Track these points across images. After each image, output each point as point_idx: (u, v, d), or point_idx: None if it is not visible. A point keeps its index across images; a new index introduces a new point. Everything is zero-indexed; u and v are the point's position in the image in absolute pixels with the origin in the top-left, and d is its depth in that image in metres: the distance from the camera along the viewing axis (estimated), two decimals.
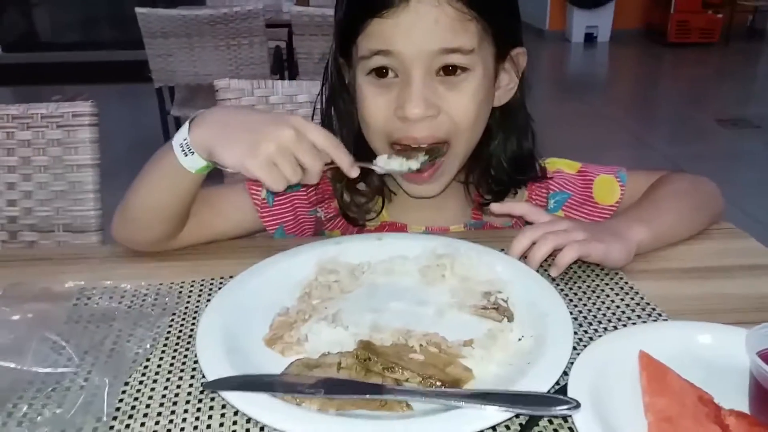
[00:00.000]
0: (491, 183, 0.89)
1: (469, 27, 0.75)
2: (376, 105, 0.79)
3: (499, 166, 0.88)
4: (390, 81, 0.78)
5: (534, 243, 0.73)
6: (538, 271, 0.72)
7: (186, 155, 0.72)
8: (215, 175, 0.79)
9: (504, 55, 0.83)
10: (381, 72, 0.78)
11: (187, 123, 0.73)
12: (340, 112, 0.88)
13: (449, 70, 0.77)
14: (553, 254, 0.72)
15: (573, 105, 4.95)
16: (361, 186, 0.90)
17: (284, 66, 3.52)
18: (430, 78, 0.76)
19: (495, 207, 0.81)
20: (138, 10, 2.84)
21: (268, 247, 0.79)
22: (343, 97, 0.87)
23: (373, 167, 0.76)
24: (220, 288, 0.69)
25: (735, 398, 0.52)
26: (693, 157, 3.61)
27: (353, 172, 0.71)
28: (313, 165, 0.69)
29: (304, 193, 0.92)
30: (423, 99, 0.75)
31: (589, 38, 6.99)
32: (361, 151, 0.82)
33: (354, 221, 0.91)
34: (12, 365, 0.53)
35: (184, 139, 0.71)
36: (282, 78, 3.40)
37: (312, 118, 0.93)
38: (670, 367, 0.55)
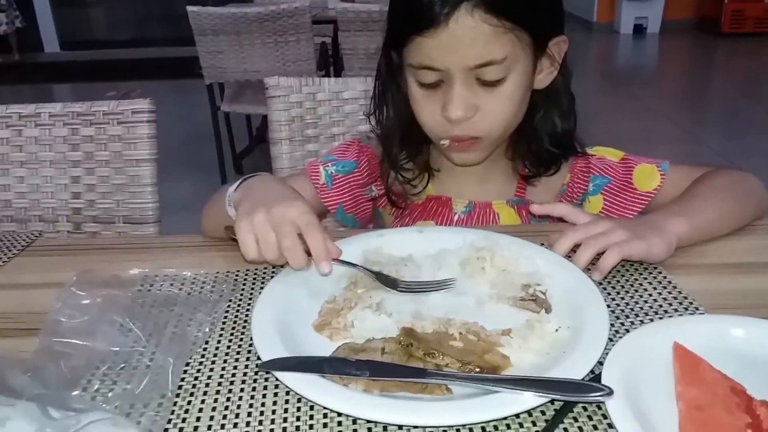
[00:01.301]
0: (533, 158, 0.94)
1: (505, 39, 0.80)
2: (427, 108, 0.87)
3: (540, 143, 0.93)
4: (436, 87, 0.85)
5: (576, 244, 0.75)
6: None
7: (230, 205, 0.80)
8: None
9: (543, 47, 0.86)
10: (429, 83, 0.85)
11: (241, 179, 0.81)
12: (391, 104, 0.95)
13: (488, 78, 0.82)
14: (597, 256, 0.74)
15: (621, 98, 4.86)
16: (409, 165, 0.97)
17: (330, 62, 3.58)
18: (470, 83, 0.83)
19: (535, 208, 0.85)
20: (189, 8, 2.94)
21: None
22: (392, 90, 0.93)
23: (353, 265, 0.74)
24: (272, 277, 0.73)
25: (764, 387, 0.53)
26: (745, 152, 3.50)
27: (323, 268, 0.69)
28: (292, 252, 0.68)
29: (359, 174, 0.99)
30: (462, 103, 0.83)
31: (639, 30, 6.83)
32: (413, 135, 0.91)
33: (395, 203, 0.98)
34: (86, 344, 0.59)
35: (229, 194, 0.80)
36: (327, 74, 3.46)
37: (368, 110, 0.99)
38: (704, 359, 0.56)
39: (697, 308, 0.68)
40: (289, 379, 0.55)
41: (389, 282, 0.71)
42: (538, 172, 0.95)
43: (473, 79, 0.82)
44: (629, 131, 3.87)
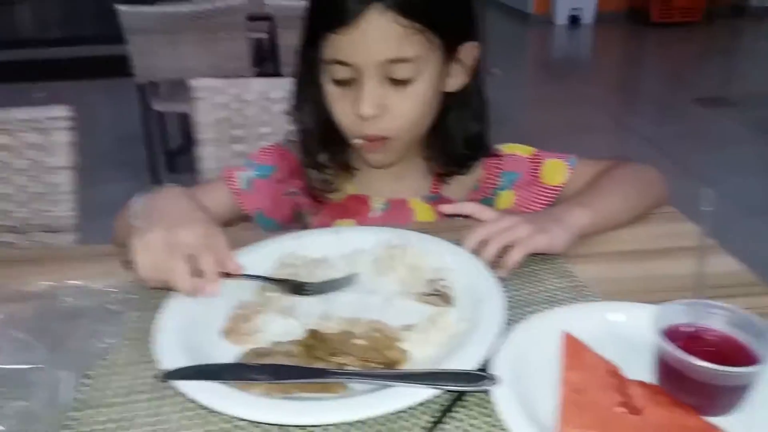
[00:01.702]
0: (447, 158, 0.97)
1: (415, 39, 0.83)
2: (340, 105, 0.89)
3: (453, 144, 0.96)
4: (349, 85, 0.87)
5: (484, 240, 0.78)
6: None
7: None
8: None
9: (454, 51, 0.89)
10: (341, 79, 0.86)
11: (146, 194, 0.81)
12: (310, 103, 0.95)
13: (398, 76, 0.85)
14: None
15: (556, 88, 4.99)
16: (328, 164, 0.98)
17: (265, 59, 3.55)
18: (381, 82, 0.85)
19: (445, 208, 0.88)
20: (119, 7, 2.85)
21: (232, 242, 0.84)
22: (310, 88, 0.94)
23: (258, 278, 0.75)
24: None
25: (643, 369, 0.58)
26: (671, 138, 3.66)
27: (206, 293, 0.70)
28: (176, 276, 0.68)
29: (279, 177, 1.00)
30: (373, 100, 0.84)
31: (574, 21, 7.01)
32: (333, 134, 0.92)
33: (316, 197, 0.99)
34: None
35: (133, 206, 0.79)
36: (264, 71, 3.43)
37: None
38: (588, 345, 0.60)
39: (591, 296, 0.73)
40: (189, 387, 0.56)
41: (295, 288, 0.73)
42: (452, 172, 0.98)
43: (384, 78, 0.84)
44: (564, 121, 3.98)
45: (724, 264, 0.79)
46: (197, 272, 0.69)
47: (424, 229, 0.84)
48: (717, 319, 0.57)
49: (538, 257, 0.81)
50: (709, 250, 0.56)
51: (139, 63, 3.01)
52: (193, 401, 0.57)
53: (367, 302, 0.71)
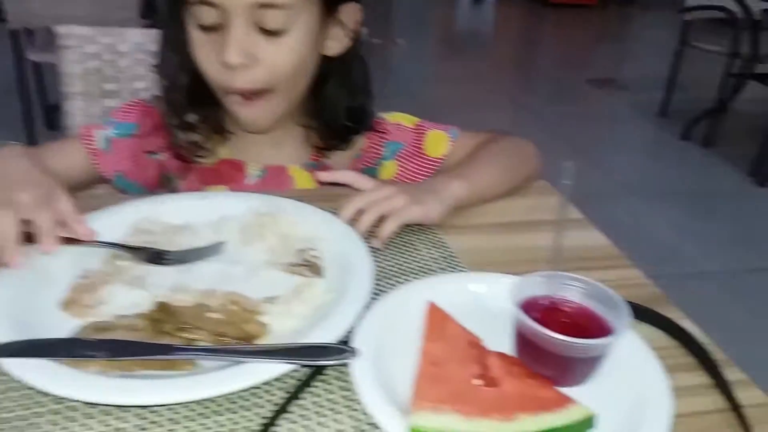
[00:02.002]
0: (326, 130, 0.93)
1: None
2: (205, 52, 0.82)
3: (334, 114, 0.92)
4: (216, 31, 0.80)
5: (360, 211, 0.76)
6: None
7: None
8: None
9: (333, 10, 0.85)
10: (207, 24, 0.79)
11: None
12: (175, 53, 0.87)
13: (269, 25, 0.79)
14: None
15: (457, 63, 5.06)
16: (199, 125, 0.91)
17: (157, 11, 3.32)
18: (250, 28, 0.79)
19: (322, 175, 0.84)
20: None
21: (82, 207, 0.76)
22: (176, 37, 0.86)
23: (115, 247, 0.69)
24: None
25: (504, 340, 0.58)
26: (564, 117, 3.81)
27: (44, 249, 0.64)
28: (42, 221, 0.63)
29: (142, 136, 0.92)
30: (240, 46, 0.78)
31: None
32: (202, 93, 0.85)
33: (184, 159, 0.92)
34: None
35: None
36: (154, 23, 3.21)
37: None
38: (452, 315, 0.59)
39: (461, 266, 0.72)
40: (13, 365, 0.50)
41: (152, 256, 0.67)
42: (332, 145, 0.94)
43: (254, 24, 0.78)
44: (462, 95, 4.04)
45: (590, 238, 0.81)
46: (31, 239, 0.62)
47: (300, 196, 0.80)
48: (573, 291, 0.58)
49: (413, 227, 0.79)
50: (568, 223, 0.57)
51: (11, 8, 2.72)
52: (18, 381, 0.51)
53: (229, 273, 0.66)
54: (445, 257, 0.74)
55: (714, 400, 0.54)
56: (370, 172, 0.97)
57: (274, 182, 0.94)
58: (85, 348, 0.52)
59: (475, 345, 0.56)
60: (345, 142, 0.95)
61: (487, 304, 0.63)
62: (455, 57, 5.28)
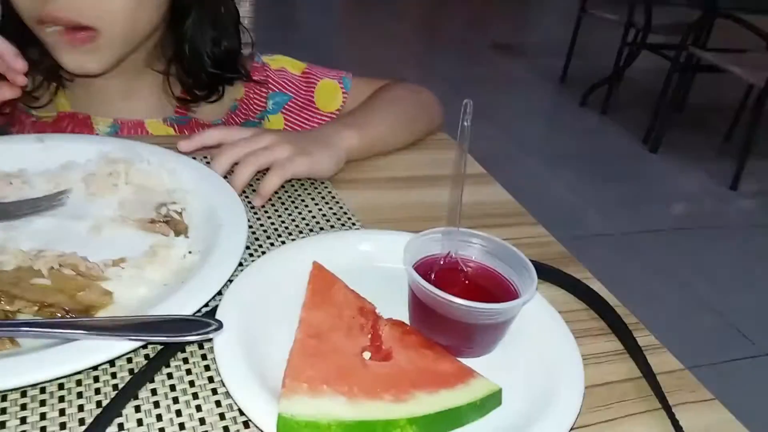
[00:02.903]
0: (189, 78, 0.79)
1: None
2: None
3: (196, 57, 0.78)
4: None
5: (236, 164, 0.65)
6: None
7: None
8: None
9: None
10: None
11: None
12: None
13: None
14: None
15: (363, 20, 4.93)
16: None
17: None
18: None
19: (183, 146, 0.67)
20: None
21: None
22: None
23: None
24: None
25: (400, 307, 0.50)
26: (468, 80, 3.80)
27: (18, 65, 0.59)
28: None
29: None
30: None
31: None
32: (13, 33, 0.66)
33: (9, 113, 0.76)
34: None
35: None
36: None
37: None
38: (340, 279, 0.51)
39: (353, 224, 0.64)
40: None
41: None
42: (196, 97, 0.80)
43: None
44: (368, 54, 3.93)
45: (492, 193, 0.75)
46: None
47: (163, 143, 0.68)
48: (474, 249, 0.51)
49: (302, 181, 0.70)
50: (468, 175, 0.49)
51: None
52: None
53: (68, 230, 0.54)
54: (337, 215, 0.65)
55: (627, 367, 0.49)
56: (252, 126, 0.86)
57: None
58: None
59: (366, 312, 0.48)
60: (212, 93, 0.81)
61: (381, 265, 0.55)
62: (360, 13, 5.14)
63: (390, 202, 0.70)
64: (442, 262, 0.50)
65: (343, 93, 0.87)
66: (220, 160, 0.65)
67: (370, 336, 0.46)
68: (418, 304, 0.48)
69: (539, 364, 0.46)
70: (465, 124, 0.48)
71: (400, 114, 0.81)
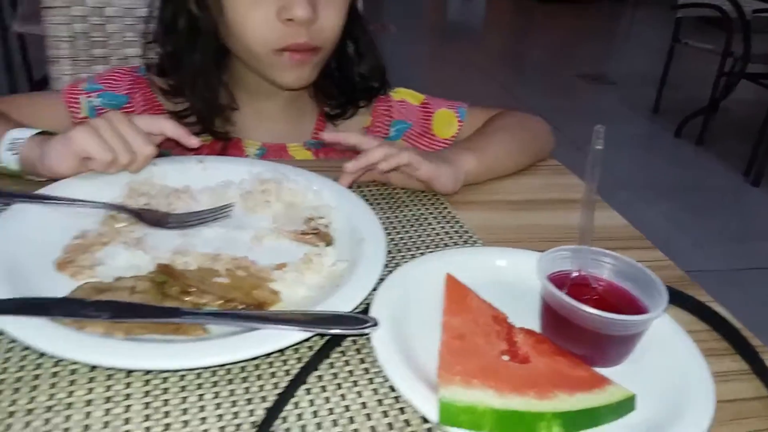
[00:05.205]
0: (338, 92, 0.90)
1: None
2: (258, 12, 0.76)
3: (348, 72, 0.89)
4: None
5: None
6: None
7: (10, 149, 0.69)
8: None
9: None
10: None
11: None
12: (186, 24, 0.81)
13: None
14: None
15: (448, 52, 5.02)
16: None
17: None
18: None
19: (327, 136, 0.80)
20: None
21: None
22: (189, 7, 0.81)
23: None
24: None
25: (528, 317, 0.54)
26: (555, 111, 3.78)
27: (193, 143, 0.71)
28: (142, 147, 0.67)
29: (131, 111, 0.86)
30: (308, 1, 0.75)
31: None
32: (204, 66, 0.82)
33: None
34: None
35: (19, 139, 0.69)
36: None
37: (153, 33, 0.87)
38: (472, 289, 0.56)
39: (475, 241, 0.69)
40: (9, 323, 0.46)
41: (153, 219, 0.63)
42: (342, 112, 0.91)
43: None
44: (454, 84, 4.01)
45: (608, 217, 0.78)
46: None
47: (302, 167, 0.76)
48: (603, 267, 0.55)
49: (423, 201, 0.76)
50: (596, 200, 0.53)
51: None
52: (15, 340, 0.47)
53: (233, 238, 0.62)
54: (459, 233, 0.71)
55: (754, 386, 0.51)
56: None
57: None
58: (86, 309, 0.48)
59: (499, 320, 0.53)
60: (353, 107, 0.91)
61: (509, 279, 0.59)
62: (447, 46, 5.24)
63: (506, 224, 0.75)
64: (573, 278, 0.54)
65: (459, 121, 0.93)
66: (357, 164, 0.72)
67: (506, 341, 0.51)
68: (550, 314, 0.52)
69: (668, 377, 0.49)
70: (597, 148, 0.52)
71: (515, 140, 0.86)
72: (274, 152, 0.90)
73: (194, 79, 0.83)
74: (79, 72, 1.21)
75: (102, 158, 0.65)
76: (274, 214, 0.67)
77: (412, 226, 0.71)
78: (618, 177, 3.00)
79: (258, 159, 0.87)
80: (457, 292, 0.55)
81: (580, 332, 0.49)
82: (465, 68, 4.54)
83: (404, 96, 0.96)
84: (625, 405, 0.46)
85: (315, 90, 0.91)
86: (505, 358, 0.49)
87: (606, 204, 0.80)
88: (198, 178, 0.72)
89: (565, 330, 0.51)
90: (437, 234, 0.70)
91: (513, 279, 0.59)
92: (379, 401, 0.47)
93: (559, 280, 0.53)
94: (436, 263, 0.59)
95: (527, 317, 0.54)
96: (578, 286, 0.54)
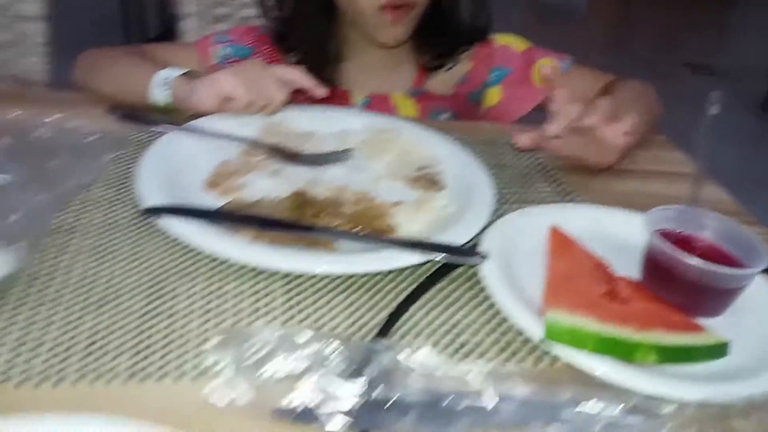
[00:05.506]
0: (439, 43, 0.93)
1: None
2: None
3: (450, 23, 0.92)
4: None
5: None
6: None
7: (162, 86, 0.76)
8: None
9: None
10: None
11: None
12: None
13: None
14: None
15: (548, 35, 4.90)
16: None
17: None
18: None
19: (522, 140, 0.70)
20: None
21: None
22: None
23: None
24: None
25: (629, 271, 0.58)
26: (660, 98, 3.65)
27: (321, 92, 0.78)
28: (277, 94, 0.75)
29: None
30: None
31: None
32: (316, 22, 0.88)
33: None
34: None
35: (170, 78, 0.77)
36: None
37: None
38: (576, 240, 0.60)
39: (581, 202, 0.72)
40: (174, 224, 0.54)
41: (287, 156, 0.70)
42: (441, 64, 0.94)
43: None
44: None
45: (712, 192, 0.79)
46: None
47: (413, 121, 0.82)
48: (706, 228, 0.57)
49: (528, 162, 0.80)
50: (685, 175, 0.55)
51: None
52: (177, 240, 0.55)
53: (354, 177, 0.69)
54: (562, 193, 0.74)
55: None
56: (474, 97, 0.97)
57: (377, 110, 0.94)
58: (237, 219, 0.55)
59: (601, 267, 0.57)
60: (454, 58, 0.94)
61: (611, 236, 0.62)
62: (547, 29, 5.14)
63: (611, 188, 0.77)
64: (676, 235, 0.56)
65: (562, 71, 0.95)
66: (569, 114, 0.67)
67: (607, 285, 0.55)
68: (653, 266, 0.55)
69: (763, 331, 0.52)
70: (712, 113, 0.54)
71: (647, 109, 0.85)
72: (378, 101, 0.95)
73: (307, 35, 0.91)
74: (204, 29, 1.31)
75: (242, 100, 0.72)
76: (390, 160, 0.73)
77: (517, 182, 0.75)
78: (726, 170, 2.88)
79: (363, 108, 0.94)
80: (561, 241, 0.59)
81: (682, 283, 0.52)
82: (566, 51, 4.44)
83: (509, 42, 0.98)
84: (719, 349, 0.49)
85: (415, 41, 0.94)
86: (606, 298, 0.53)
87: (712, 181, 0.81)
88: (322, 125, 0.79)
89: (666, 281, 0.54)
90: (541, 192, 0.74)
91: (615, 236, 0.62)
92: (485, 323, 0.52)
93: (664, 235, 0.56)
94: (541, 215, 0.64)
95: (628, 270, 0.58)
96: (681, 242, 0.56)
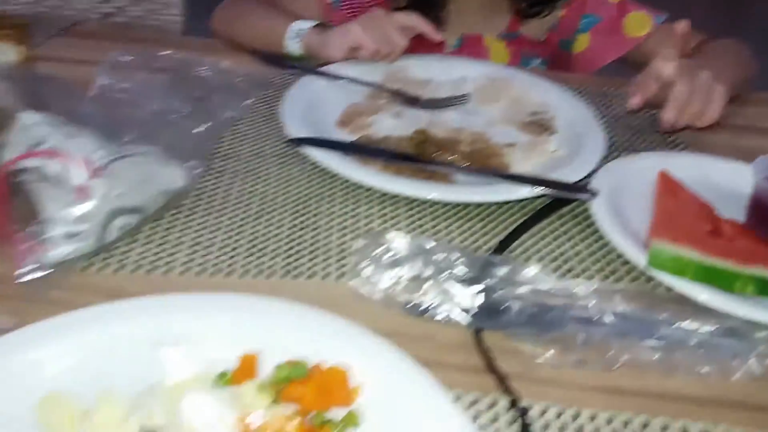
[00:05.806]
0: None
1: None
2: None
3: None
4: None
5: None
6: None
7: (295, 38, 0.83)
8: None
9: None
10: None
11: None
12: None
13: None
14: None
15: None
16: None
17: None
18: None
19: (635, 102, 0.72)
20: None
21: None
22: None
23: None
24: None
25: (733, 215, 0.60)
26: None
27: (438, 37, 0.82)
28: (400, 40, 0.79)
29: (371, 4, 0.99)
30: None
31: None
32: None
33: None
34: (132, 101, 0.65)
35: (303, 29, 0.83)
36: None
37: None
38: (684, 184, 0.63)
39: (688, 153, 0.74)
40: (315, 152, 0.62)
41: (407, 100, 0.77)
42: (538, 11, 0.95)
43: None
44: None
45: None
46: None
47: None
48: None
49: (642, 117, 0.81)
50: None
51: None
52: (316, 167, 0.63)
53: (470, 120, 0.74)
54: (671, 144, 0.76)
55: None
56: (565, 44, 0.98)
57: (469, 51, 0.98)
58: (367, 151, 0.63)
59: (706, 209, 0.60)
60: (546, 8, 0.95)
61: (718, 183, 0.65)
62: None
63: (720, 143, 0.78)
64: None
65: (654, 24, 0.93)
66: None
67: (711, 224, 0.58)
68: (759, 208, 0.58)
69: None
70: None
71: (742, 69, 0.86)
72: (470, 43, 0.98)
73: None
74: None
75: (370, 49, 0.79)
76: (503, 106, 0.78)
77: (627, 133, 0.78)
78: None
79: (456, 49, 0.97)
80: (669, 184, 0.63)
81: None
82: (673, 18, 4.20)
83: None
84: None
85: None
86: (710, 235, 0.56)
87: None
88: (438, 72, 0.84)
89: None
90: (651, 142, 0.76)
91: (722, 184, 0.65)
92: (591, 254, 0.57)
93: None
94: (650, 160, 0.67)
95: (733, 216, 0.60)
96: None
